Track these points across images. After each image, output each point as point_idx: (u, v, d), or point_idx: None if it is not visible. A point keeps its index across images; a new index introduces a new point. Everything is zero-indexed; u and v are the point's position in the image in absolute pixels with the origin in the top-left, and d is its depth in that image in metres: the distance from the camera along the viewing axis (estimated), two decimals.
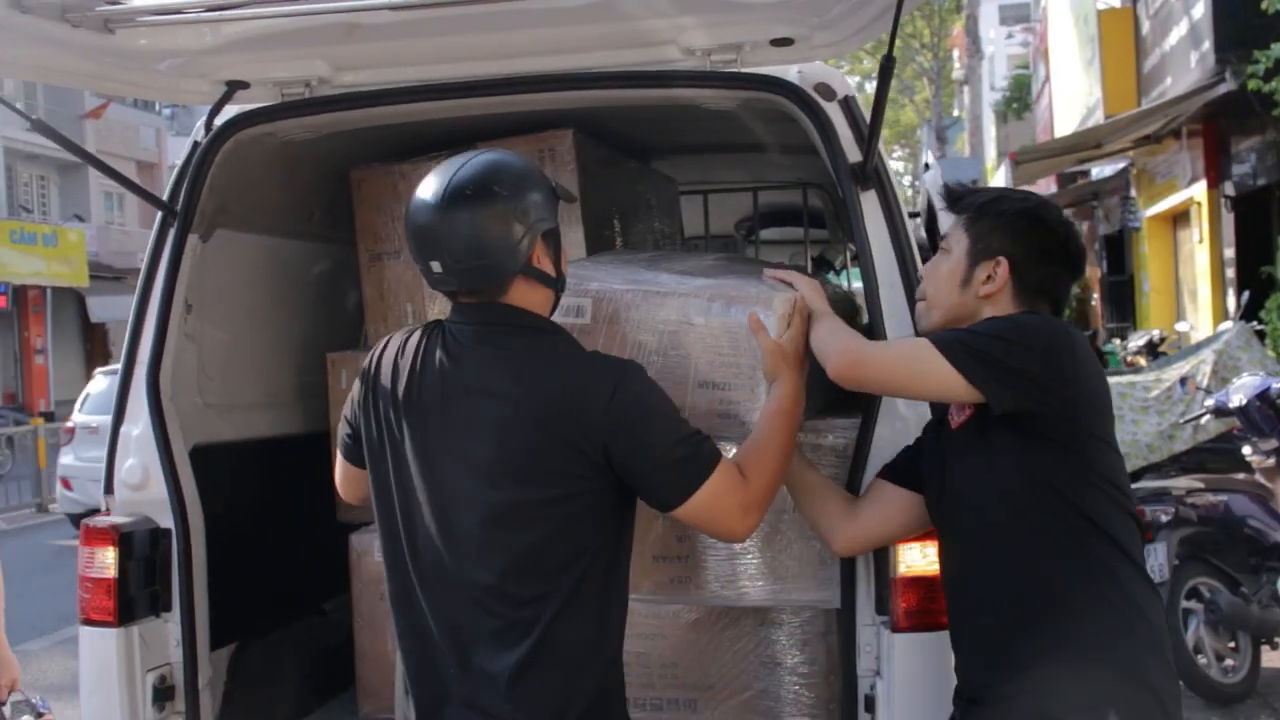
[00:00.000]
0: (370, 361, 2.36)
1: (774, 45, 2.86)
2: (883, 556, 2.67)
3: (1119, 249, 20.95)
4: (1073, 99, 19.71)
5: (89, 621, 2.97)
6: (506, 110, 3.22)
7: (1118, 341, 17.39)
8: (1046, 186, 20.92)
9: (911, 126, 55.21)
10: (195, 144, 3.14)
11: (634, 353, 2.59)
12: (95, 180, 31.09)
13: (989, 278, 2.34)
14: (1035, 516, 2.21)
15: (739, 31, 2.85)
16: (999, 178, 15.30)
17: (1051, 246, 2.36)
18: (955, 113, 52.26)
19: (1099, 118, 15.89)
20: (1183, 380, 7.03)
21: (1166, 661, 2.20)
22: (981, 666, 2.27)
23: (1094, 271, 22.12)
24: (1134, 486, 5.99)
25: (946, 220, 3.54)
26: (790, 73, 2.91)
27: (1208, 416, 6.52)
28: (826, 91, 2.87)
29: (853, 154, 2.84)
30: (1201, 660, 5.67)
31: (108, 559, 2.95)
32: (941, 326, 2.39)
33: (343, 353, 3.81)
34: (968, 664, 2.33)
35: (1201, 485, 5.94)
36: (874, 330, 2.78)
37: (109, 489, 3.11)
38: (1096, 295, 21.92)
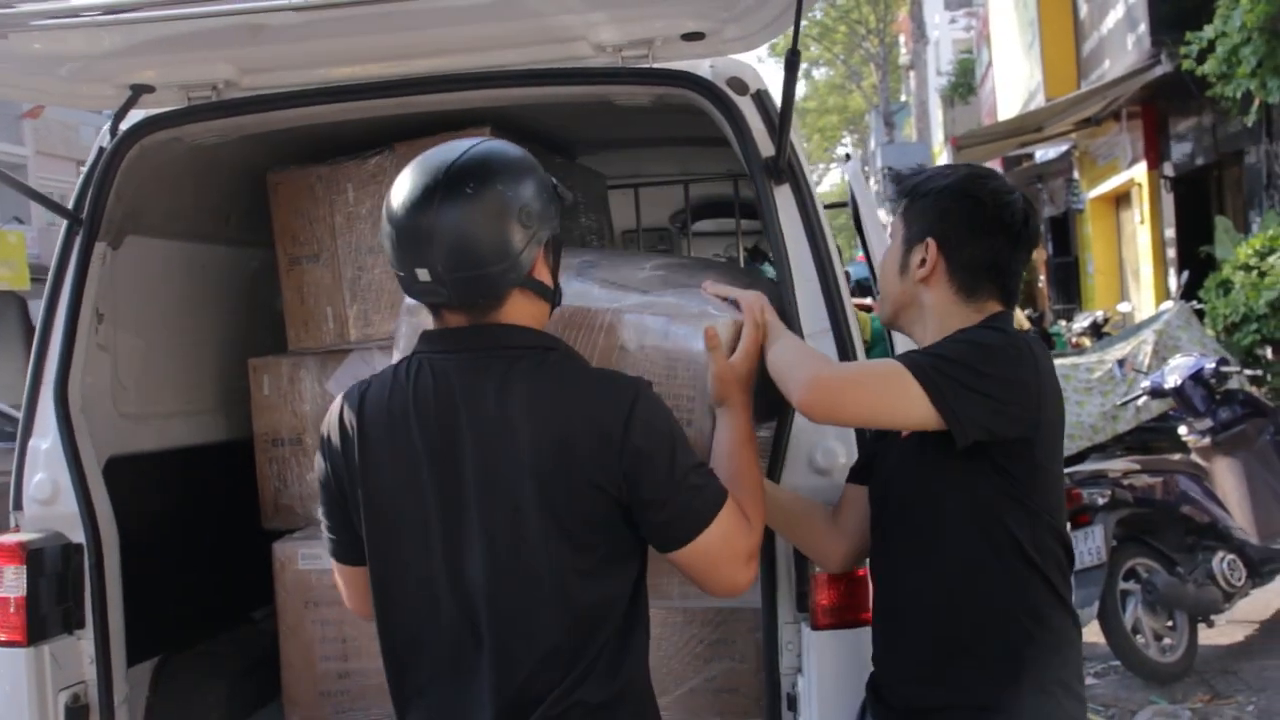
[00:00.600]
0: (331, 431, 2.05)
1: (685, 40, 2.83)
2: (802, 555, 2.65)
3: (1064, 231, 21.16)
4: (1014, 82, 19.86)
5: (0, 643, 2.91)
6: (422, 110, 3.17)
7: (1063, 323, 17.56)
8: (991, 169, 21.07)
9: (859, 112, 55.46)
10: (100, 150, 3.07)
11: None
12: (37, 181, 30.53)
13: (922, 261, 2.28)
14: (974, 543, 2.16)
15: (649, 27, 2.81)
16: (944, 163, 15.50)
17: (980, 219, 2.28)
18: (903, 98, 52.49)
19: (1040, 101, 16.01)
20: (1120, 362, 7.08)
21: (1081, 697, 2.22)
22: (913, 680, 2.24)
23: (1040, 254, 22.31)
24: (1072, 470, 6.06)
25: (869, 210, 3.54)
26: (703, 67, 2.89)
27: (1145, 398, 6.58)
28: (739, 85, 2.85)
29: (766, 148, 2.81)
30: (1140, 640, 5.72)
31: (16, 578, 2.88)
32: (893, 317, 2.37)
33: (265, 358, 3.76)
34: (893, 670, 2.30)
35: (1138, 466, 5.99)
36: (787, 324, 2.75)
37: (18, 504, 3.03)
38: (1043, 277, 22.11)
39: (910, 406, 2.09)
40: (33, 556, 2.91)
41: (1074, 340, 15.39)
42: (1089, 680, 5.87)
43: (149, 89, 3.03)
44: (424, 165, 1.96)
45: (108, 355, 3.26)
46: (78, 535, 3.00)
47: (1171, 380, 6.34)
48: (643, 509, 1.94)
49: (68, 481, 2.99)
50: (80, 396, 3.06)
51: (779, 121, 2.73)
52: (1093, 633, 5.93)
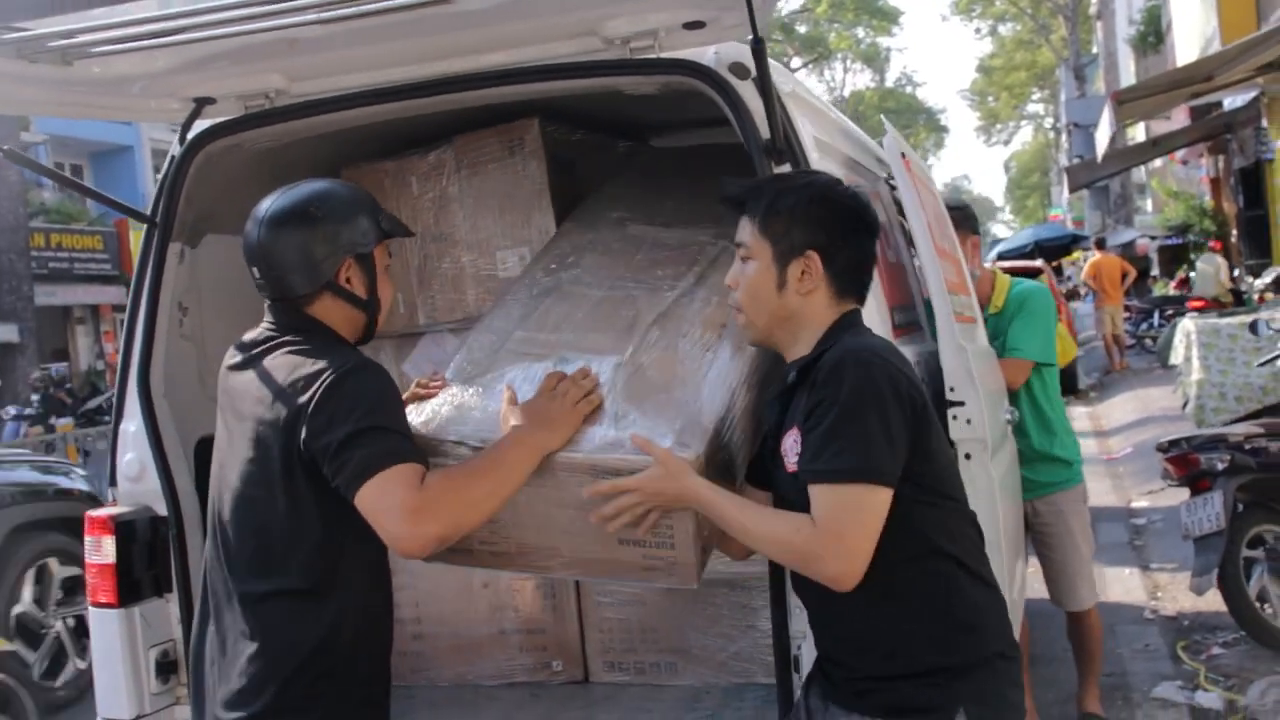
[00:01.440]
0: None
1: (688, 29, 2.93)
2: None
3: (1256, 182, 20.08)
4: (1190, 29, 18.94)
5: (96, 605, 3.25)
6: (475, 105, 3.37)
7: (1251, 280, 16.77)
8: (1179, 120, 20.15)
9: (1049, 67, 53.57)
10: (171, 158, 3.37)
11: (540, 518, 2.52)
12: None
13: (803, 273, 2.31)
14: (883, 544, 2.17)
15: (652, 18, 2.93)
16: (1105, 119, 14.77)
17: (850, 221, 2.34)
18: (1093, 50, 50.46)
19: (1217, 47, 15.25)
20: (1252, 325, 6.82)
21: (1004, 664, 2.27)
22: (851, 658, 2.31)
23: (1230, 207, 21.29)
24: (1190, 435, 5.91)
25: (908, 191, 3.57)
26: (708, 54, 2.99)
27: None
28: (740, 70, 2.94)
29: (767, 130, 2.90)
30: (1267, 609, 5.55)
31: (107, 547, 3.22)
32: (766, 335, 2.39)
33: None
34: (832, 653, 2.37)
35: (1262, 430, 5.79)
36: None
37: (112, 481, 3.38)
38: (1234, 231, 21.09)
39: (884, 501, 2.14)
40: (122, 528, 3.25)
41: (1260, 295, 14.73)
42: (1215, 650, 5.74)
43: (210, 101, 3.31)
44: (273, 195, 2.53)
45: (193, 344, 3.57)
46: (164, 509, 3.32)
47: None
48: (320, 458, 2.27)
49: (151, 460, 3.31)
50: (162, 383, 3.37)
51: (765, 104, 2.81)
52: (1215, 601, 5.80)
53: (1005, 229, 76.61)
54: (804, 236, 2.31)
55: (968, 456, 3.40)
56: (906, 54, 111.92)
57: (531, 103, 3.52)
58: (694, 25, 2.92)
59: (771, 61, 3.17)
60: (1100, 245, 20.36)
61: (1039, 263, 18.01)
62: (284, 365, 2.39)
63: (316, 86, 3.29)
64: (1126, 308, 19.69)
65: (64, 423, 18.87)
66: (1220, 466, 5.57)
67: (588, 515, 2.38)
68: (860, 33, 61.91)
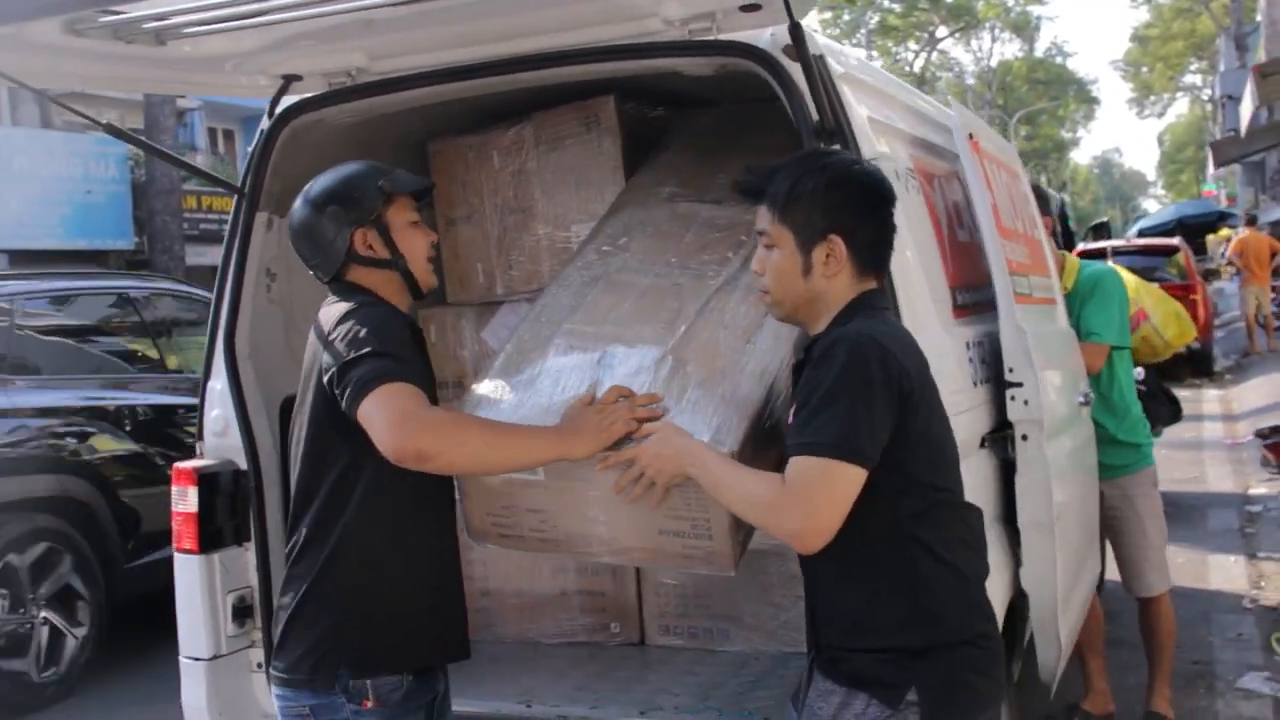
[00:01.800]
0: None
1: (744, 11, 2.99)
2: None
3: None
4: None
5: (180, 550, 3.48)
6: (545, 84, 3.48)
7: None
8: None
9: (1209, 36, 51.49)
10: (261, 132, 3.56)
11: (585, 509, 2.65)
12: None
13: (828, 257, 2.35)
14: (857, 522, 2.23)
15: (709, 1, 3.00)
16: (1248, 94, 14.11)
17: (869, 199, 2.38)
18: (1257, 17, 48.31)
19: None
20: None
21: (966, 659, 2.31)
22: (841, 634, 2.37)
23: None
24: None
25: (974, 173, 3.57)
26: (763, 36, 3.04)
27: None
28: (794, 53, 2.99)
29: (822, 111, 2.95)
30: None
31: (191, 497, 3.44)
32: (792, 315, 2.45)
33: (430, 309, 4.20)
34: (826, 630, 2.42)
35: None
36: None
37: (200, 435, 3.61)
38: None
39: (856, 479, 2.20)
40: (205, 480, 3.46)
41: None
42: None
43: (297, 78, 3.49)
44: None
45: (280, 309, 3.77)
46: (245, 463, 3.53)
47: None
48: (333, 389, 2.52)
49: (234, 417, 3.52)
50: (248, 344, 3.58)
51: (810, 85, 2.86)
52: None
53: (1156, 204, 74.12)
54: (825, 221, 2.35)
55: (1024, 438, 3.43)
56: (1057, 23, 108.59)
57: (611, 81, 3.62)
58: (750, 8, 2.97)
59: (830, 44, 3.24)
60: (1251, 222, 19.65)
61: (1175, 240, 17.47)
62: (323, 321, 2.68)
63: (396, 65, 3.44)
64: (1274, 288, 19.00)
65: None
66: None
67: (621, 508, 2.53)
68: (1009, 1, 60.40)
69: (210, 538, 3.46)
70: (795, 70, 2.96)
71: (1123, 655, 5.22)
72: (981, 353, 3.58)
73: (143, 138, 3.67)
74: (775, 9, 2.97)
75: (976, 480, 3.43)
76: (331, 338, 2.57)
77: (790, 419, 2.32)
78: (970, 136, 3.57)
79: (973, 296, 3.72)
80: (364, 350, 2.47)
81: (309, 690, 2.61)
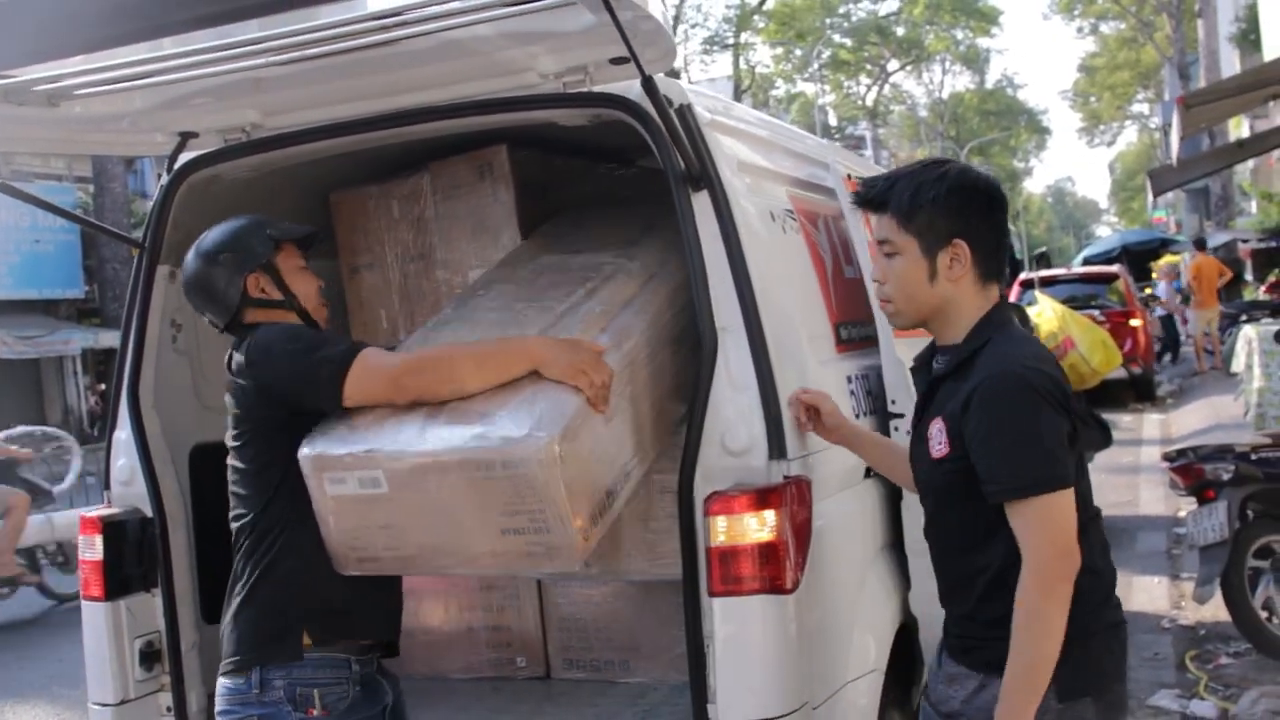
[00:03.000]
0: None
1: (613, 64, 3.12)
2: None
3: None
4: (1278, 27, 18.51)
5: (87, 597, 3.54)
6: (439, 135, 3.60)
7: None
8: (1278, 119, 19.65)
9: (1153, 66, 52.40)
10: (160, 188, 3.66)
11: (431, 517, 2.80)
12: None
13: (952, 262, 2.45)
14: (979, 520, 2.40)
15: (578, 55, 3.13)
16: (1175, 123, 14.43)
17: (984, 202, 2.47)
18: (1199, 47, 49.18)
19: None
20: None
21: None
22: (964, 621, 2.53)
23: None
24: (1197, 445, 5.94)
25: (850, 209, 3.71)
26: (633, 88, 3.16)
27: None
28: (655, 104, 3.12)
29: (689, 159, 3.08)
30: (1273, 621, 5.56)
31: (97, 545, 3.51)
32: (916, 322, 2.56)
33: None
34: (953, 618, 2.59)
35: (1269, 441, 5.79)
36: (701, 334, 3.03)
37: (106, 484, 3.68)
38: None
39: (1072, 500, 2.35)
40: (110, 528, 3.54)
41: None
42: (1224, 660, 5.75)
43: (193, 135, 3.60)
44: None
45: (186, 359, 3.86)
46: (151, 511, 3.60)
47: None
48: (294, 401, 2.85)
49: (139, 466, 3.59)
50: (153, 394, 3.66)
51: (687, 135, 3.00)
52: (1223, 611, 5.80)
53: (1109, 230, 74.98)
54: (948, 225, 2.44)
55: None
56: (1007, 55, 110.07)
57: (494, 133, 3.73)
58: (619, 61, 3.10)
59: (699, 91, 3.38)
60: (1200, 246, 20.06)
61: (1115, 268, 17.80)
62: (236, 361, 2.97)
63: (289, 120, 3.54)
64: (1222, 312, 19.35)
65: None
66: (1225, 477, 5.60)
67: (462, 511, 2.67)
68: (959, 34, 61.28)
69: (117, 584, 3.53)
70: (659, 119, 3.09)
71: None
72: (866, 385, 3.71)
73: (69, 188, 3.73)
74: (642, 62, 3.12)
75: (864, 508, 3.57)
76: (267, 358, 2.85)
77: (937, 431, 2.45)
78: (848, 177, 3.71)
79: (858, 331, 3.85)
80: (313, 348, 2.83)
81: (257, 703, 2.79)
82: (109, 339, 25.51)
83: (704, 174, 3.07)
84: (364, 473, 2.76)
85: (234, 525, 2.97)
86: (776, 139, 3.89)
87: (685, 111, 3.11)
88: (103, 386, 27.05)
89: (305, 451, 2.81)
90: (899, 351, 3.57)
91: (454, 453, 2.71)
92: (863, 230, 3.67)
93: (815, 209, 3.87)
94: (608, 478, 2.88)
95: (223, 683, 2.88)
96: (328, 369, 2.80)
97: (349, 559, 2.86)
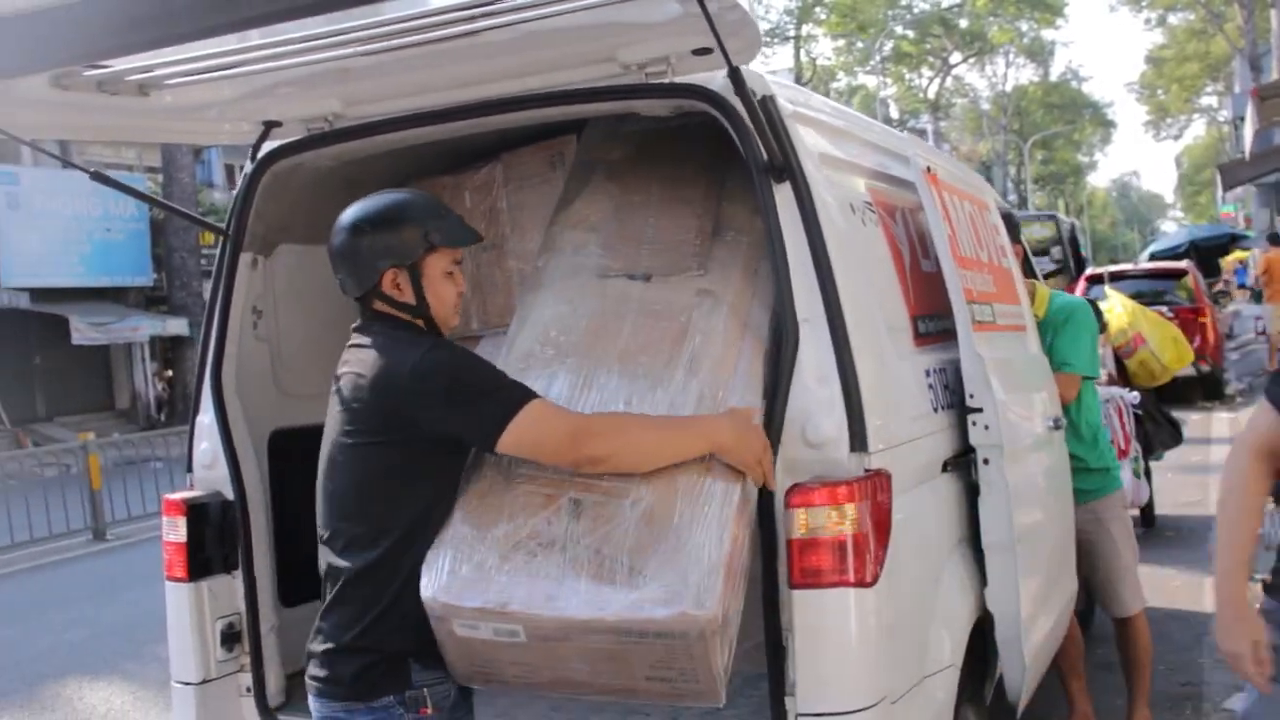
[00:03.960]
0: None
1: (696, 55, 3.13)
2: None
3: None
4: None
5: (170, 578, 3.61)
6: (514, 126, 3.62)
7: None
8: None
9: (1223, 58, 51.46)
10: (244, 177, 3.71)
11: (570, 661, 2.72)
12: None
13: None
14: None
15: (661, 46, 3.14)
16: (1249, 116, 14.13)
17: None
18: (1272, 39, 48.18)
19: None
20: None
21: None
22: None
23: None
24: None
25: (932, 207, 3.67)
26: (716, 79, 3.17)
27: None
28: (741, 95, 3.11)
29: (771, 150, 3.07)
30: None
31: (179, 527, 3.58)
32: None
33: None
34: None
35: None
36: (783, 326, 3.02)
37: (189, 468, 3.74)
38: None
39: None
40: (193, 511, 3.60)
41: None
42: None
43: (277, 124, 3.65)
44: (352, 205, 2.91)
45: (267, 345, 3.91)
46: (232, 494, 3.66)
47: None
48: (443, 425, 2.70)
49: (221, 450, 3.65)
50: (235, 380, 3.71)
51: (771, 127, 2.99)
52: None
53: (1174, 226, 73.91)
54: None
55: (986, 461, 3.53)
56: (1072, 48, 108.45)
57: (576, 121, 3.75)
58: (702, 51, 3.11)
59: (782, 83, 3.36)
60: (1275, 241, 19.71)
61: (1184, 264, 17.52)
62: (361, 367, 2.78)
63: (370, 110, 3.58)
64: None
65: None
66: None
67: (605, 660, 2.68)
68: (1023, 26, 60.56)
69: (199, 566, 3.59)
70: (742, 110, 3.09)
71: (1111, 678, 5.28)
72: (944, 379, 3.69)
73: (140, 178, 3.80)
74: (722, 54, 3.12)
75: (942, 502, 3.55)
76: (424, 387, 2.67)
77: None
78: (927, 170, 3.69)
79: (936, 325, 3.82)
80: (481, 390, 2.70)
81: (365, 706, 2.73)
82: (176, 326, 25.95)
83: (787, 165, 3.06)
84: (500, 625, 2.69)
85: (339, 546, 2.79)
86: (855, 130, 3.87)
87: (769, 103, 3.10)
88: (169, 373, 27.50)
89: (430, 595, 2.68)
90: (978, 346, 3.54)
91: (603, 621, 2.63)
92: (942, 224, 3.64)
93: (894, 201, 3.85)
94: (740, 600, 2.82)
95: (328, 704, 2.78)
96: (492, 411, 2.68)
97: (472, 675, 2.82)
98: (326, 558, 2.82)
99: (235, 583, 3.66)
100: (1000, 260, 4.40)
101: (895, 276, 3.64)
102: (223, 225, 3.75)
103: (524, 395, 2.71)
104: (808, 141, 3.23)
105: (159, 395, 27.19)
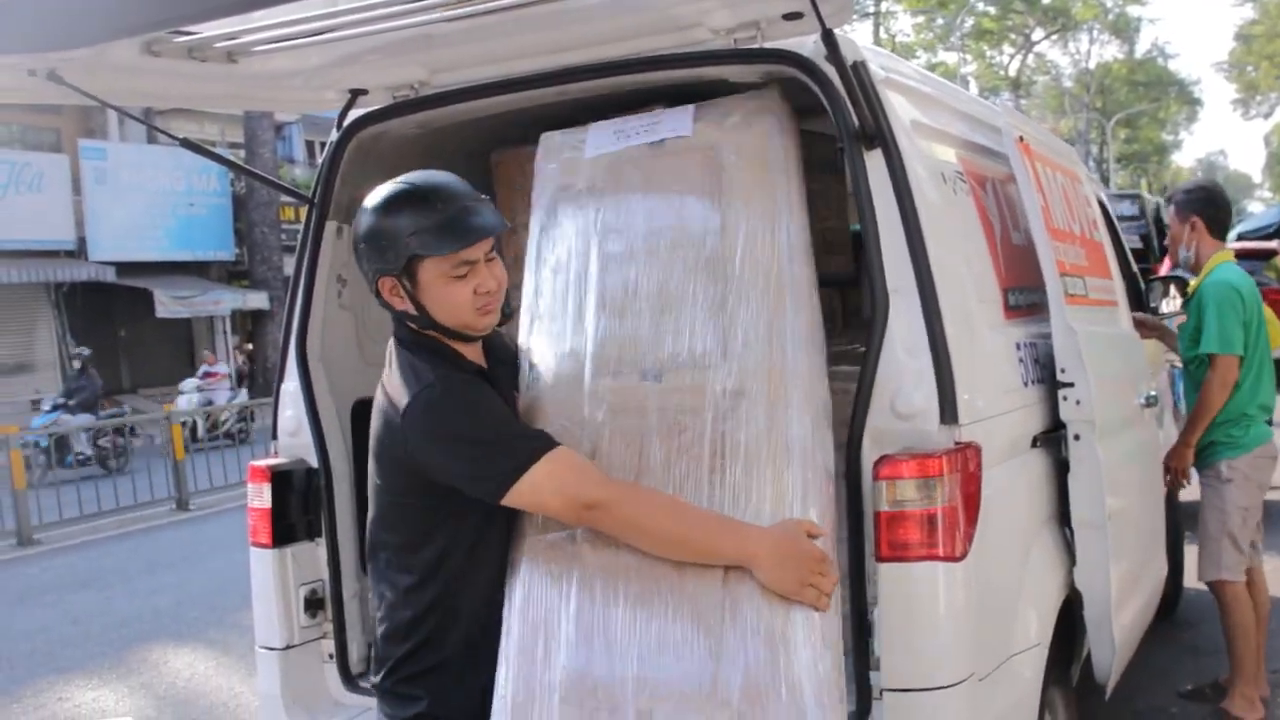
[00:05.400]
0: None
1: (787, 19, 3.07)
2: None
3: None
4: None
5: (255, 544, 3.64)
6: (601, 94, 3.58)
7: None
8: None
9: None
10: (329, 145, 3.72)
11: None
12: None
13: None
14: None
15: (750, 10, 3.07)
16: None
17: None
18: None
19: None
20: None
21: None
22: None
23: None
24: None
25: (1023, 173, 3.59)
26: (806, 44, 3.11)
27: None
28: (834, 59, 3.05)
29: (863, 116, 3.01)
30: None
31: (264, 493, 3.61)
32: None
33: None
34: None
35: None
36: (871, 280, 2.96)
37: (274, 434, 3.77)
38: None
39: None
40: (278, 478, 3.62)
41: None
42: None
43: (363, 92, 3.64)
44: None
45: (351, 314, 3.92)
46: (317, 462, 3.68)
47: None
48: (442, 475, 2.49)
49: (306, 417, 3.67)
50: (320, 348, 3.73)
51: (854, 91, 2.93)
52: None
53: (1262, 206, 72.05)
54: None
55: (1076, 437, 3.45)
56: (1158, 24, 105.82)
57: (661, 89, 3.70)
58: (792, 16, 3.05)
59: (875, 49, 3.29)
60: None
61: (1274, 244, 17.08)
62: (392, 394, 2.59)
63: (455, 78, 3.56)
64: None
65: None
66: None
67: None
68: (1108, 2, 59.30)
69: (283, 532, 3.62)
70: (834, 75, 3.03)
71: (1196, 662, 5.18)
72: (1034, 353, 3.60)
73: (223, 152, 3.83)
74: (814, 18, 3.05)
75: (1031, 477, 3.47)
76: (422, 435, 2.47)
77: None
78: (1020, 139, 3.60)
79: (1026, 298, 3.74)
80: (491, 439, 2.48)
81: None
82: (257, 300, 26.33)
83: (878, 132, 3.00)
84: None
85: (390, 544, 2.66)
86: (946, 99, 3.79)
87: (860, 68, 3.03)
88: (250, 346, 27.92)
89: None
90: (1070, 319, 3.46)
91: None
92: (1035, 195, 3.55)
93: (984, 172, 3.77)
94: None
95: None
96: (505, 463, 2.46)
97: None
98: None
99: (318, 550, 3.68)
100: (1092, 233, 4.30)
101: (986, 247, 3.56)
102: (308, 195, 3.76)
103: (539, 443, 2.50)
104: (899, 109, 3.16)
105: (239, 368, 27.63)
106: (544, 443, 2.50)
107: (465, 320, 2.59)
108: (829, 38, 2.79)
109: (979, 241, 3.52)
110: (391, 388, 2.58)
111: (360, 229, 2.60)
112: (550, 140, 3.38)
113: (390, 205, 2.57)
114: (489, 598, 2.60)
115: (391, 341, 2.70)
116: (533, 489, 2.45)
